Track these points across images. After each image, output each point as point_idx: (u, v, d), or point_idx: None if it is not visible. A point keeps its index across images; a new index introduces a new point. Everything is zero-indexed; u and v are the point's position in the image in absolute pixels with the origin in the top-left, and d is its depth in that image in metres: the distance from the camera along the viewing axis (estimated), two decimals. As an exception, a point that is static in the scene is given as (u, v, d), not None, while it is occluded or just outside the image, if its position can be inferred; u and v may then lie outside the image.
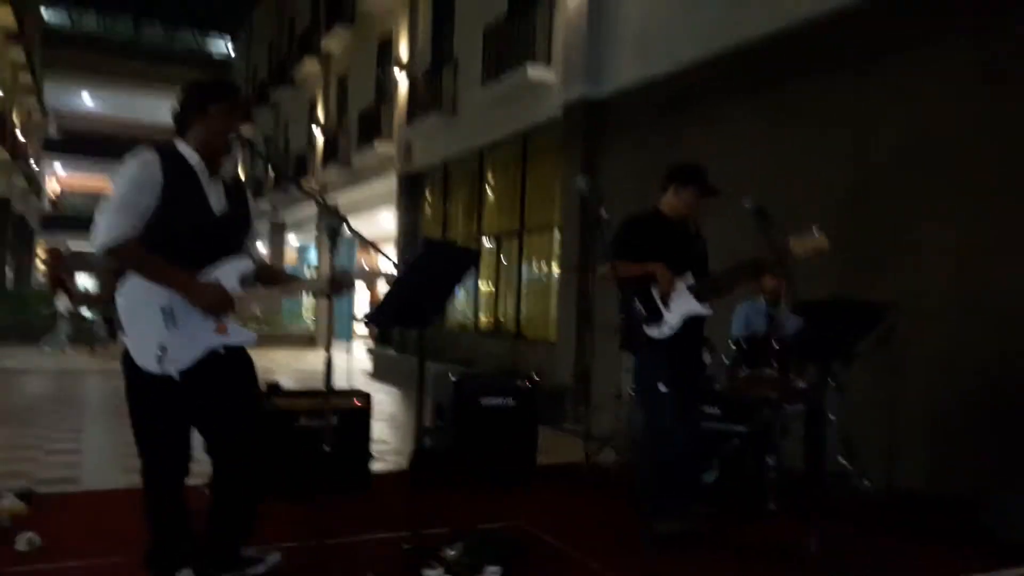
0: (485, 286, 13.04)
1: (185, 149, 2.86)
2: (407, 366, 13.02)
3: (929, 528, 4.07)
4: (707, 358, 4.78)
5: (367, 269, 2.97)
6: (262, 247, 30.33)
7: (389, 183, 16.38)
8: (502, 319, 12.32)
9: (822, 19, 6.37)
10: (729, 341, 5.03)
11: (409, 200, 15.76)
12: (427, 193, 15.66)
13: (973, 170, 5.32)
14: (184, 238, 2.79)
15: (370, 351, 17.51)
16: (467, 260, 3.00)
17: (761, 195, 3.93)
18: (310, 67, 21.92)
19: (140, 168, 2.74)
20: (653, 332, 3.79)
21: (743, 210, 3.78)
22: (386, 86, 16.99)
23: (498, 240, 12.55)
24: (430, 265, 2.73)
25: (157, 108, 37.64)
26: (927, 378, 5.25)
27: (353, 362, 17.94)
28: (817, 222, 3.63)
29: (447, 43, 14.04)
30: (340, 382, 12.61)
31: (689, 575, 3.29)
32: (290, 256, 28.75)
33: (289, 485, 3.94)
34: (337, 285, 2.96)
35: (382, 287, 3.11)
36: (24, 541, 3.33)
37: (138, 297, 2.72)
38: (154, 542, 2.92)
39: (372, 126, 16.88)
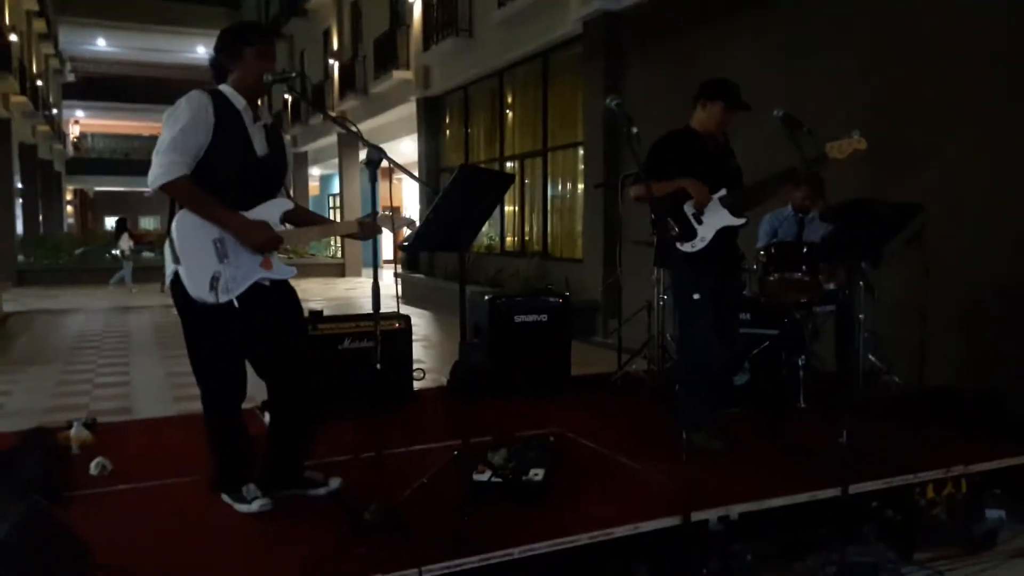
0: (510, 207, 13.08)
1: (231, 93, 2.96)
2: (436, 290, 13.23)
3: (958, 421, 4.17)
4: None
5: (392, 214, 3.07)
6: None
7: (408, 109, 16.30)
8: (528, 239, 12.40)
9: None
10: (757, 249, 5.09)
11: (429, 126, 15.70)
12: (447, 118, 15.58)
13: (998, 72, 5.23)
14: (231, 178, 2.91)
15: (398, 276, 17.81)
16: (502, 184, 3.09)
17: (784, 106, 3.93)
18: (322, -5, 21.59)
19: (195, 109, 2.85)
20: (686, 248, 3.86)
21: (771, 123, 3.80)
22: (401, 11, 16.71)
23: (521, 161, 12.53)
24: (467, 190, 2.82)
25: (173, 47, 37.48)
26: (955, 277, 5.29)
27: (383, 288, 18.29)
28: (856, 128, 3.64)
29: (462, -38, 13.73)
30: (368, 307, 12.94)
31: (726, 472, 3.43)
32: (312, 187, 28.87)
33: (337, 404, 4.12)
34: (367, 228, 3.09)
35: (406, 231, 3.22)
36: (96, 466, 3.53)
37: (190, 231, 2.85)
38: (219, 462, 3.11)
39: (388, 53, 16.70)
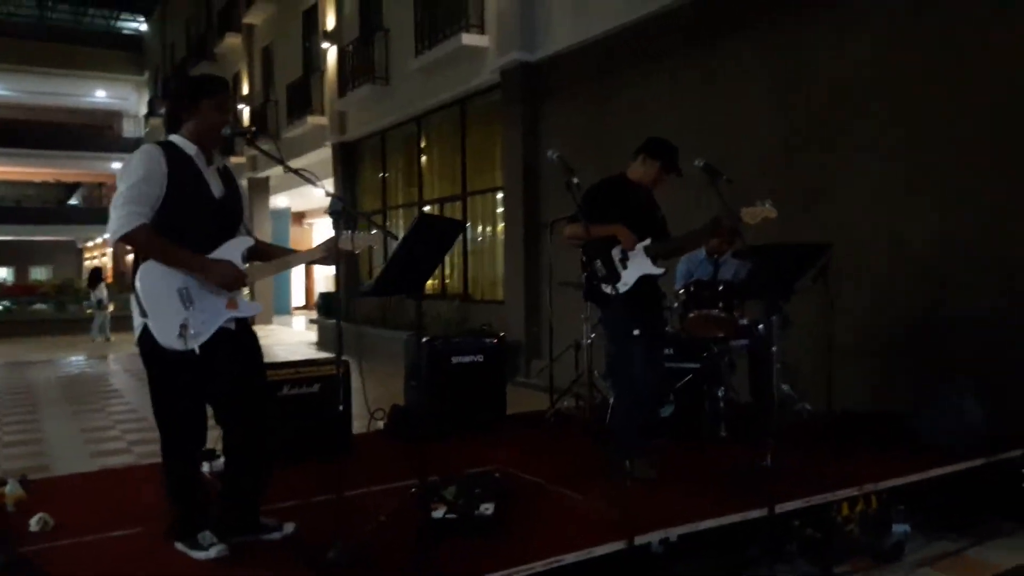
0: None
1: (182, 142, 3.06)
2: (355, 335, 13.20)
3: (865, 441, 4.54)
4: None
5: (353, 235, 3.19)
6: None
7: (323, 154, 16.34)
8: (449, 282, 12.56)
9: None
10: (676, 289, 5.41)
11: (345, 171, 15.77)
12: (363, 163, 15.69)
13: (889, 119, 5.77)
14: (192, 222, 3.01)
15: (313, 322, 17.64)
16: (455, 231, 3.27)
17: (696, 149, 4.29)
18: (232, 41, 21.48)
19: (148, 161, 2.95)
20: (608, 291, 4.13)
21: (693, 168, 4.13)
22: (314, 57, 16.82)
23: (440, 206, 12.73)
24: (424, 237, 2.99)
25: (71, 91, 36.31)
26: (859, 309, 5.73)
27: (296, 335, 18.13)
28: (759, 184, 3.99)
29: (375, 13, 14.01)
30: (285, 354, 12.71)
31: (658, 498, 3.65)
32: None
33: (278, 451, 4.15)
34: (333, 252, 3.20)
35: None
36: (38, 522, 3.47)
37: (154, 283, 2.93)
38: (177, 510, 3.14)
39: (302, 98, 16.76)
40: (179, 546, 3.10)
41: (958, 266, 5.38)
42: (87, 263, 52.93)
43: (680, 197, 5.01)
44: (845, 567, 3.69)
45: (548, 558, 2.96)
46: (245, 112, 20.68)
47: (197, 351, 2.94)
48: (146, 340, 2.97)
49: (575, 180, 3.56)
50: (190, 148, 3.07)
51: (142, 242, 2.93)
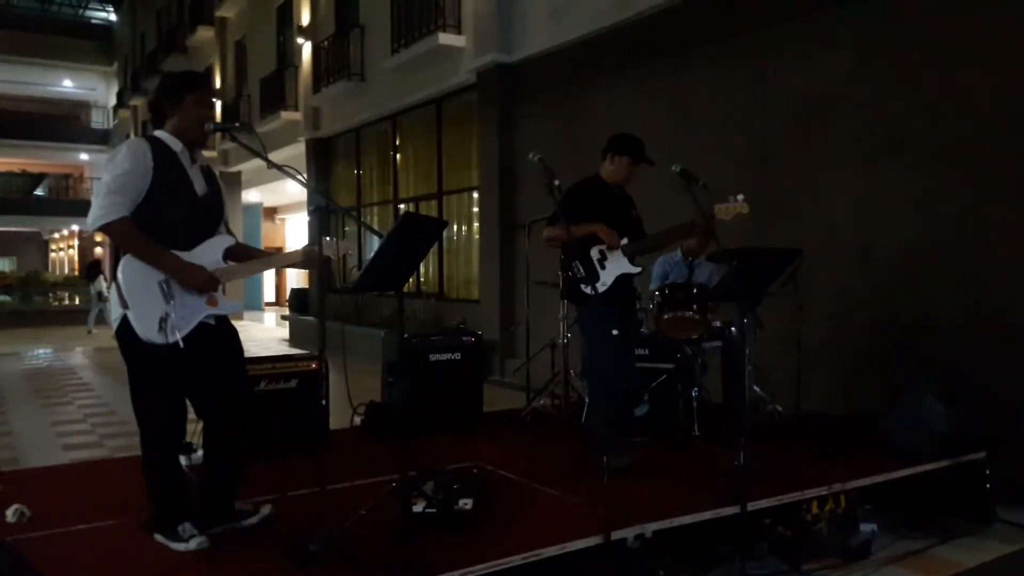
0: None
1: (168, 138, 3.08)
2: (328, 331, 13.16)
3: (832, 442, 4.65)
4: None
5: (334, 241, 3.23)
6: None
7: (296, 150, 16.25)
8: (424, 280, 12.57)
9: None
10: (652, 290, 5.50)
11: (318, 167, 15.71)
12: (337, 159, 15.64)
13: (859, 130, 5.91)
14: (174, 218, 3.03)
15: (284, 318, 17.54)
16: (438, 229, 3.32)
17: (670, 154, 4.37)
18: (204, 34, 21.28)
19: (134, 154, 2.96)
20: (587, 290, 4.20)
21: (658, 169, 4.21)
22: (289, 52, 16.73)
23: (415, 204, 12.74)
24: (407, 236, 3.03)
25: (38, 80, 35.66)
26: (828, 314, 5.86)
27: (268, 331, 18.01)
28: (732, 189, 4.08)
29: (352, 10, 13.97)
30: (257, 350, 12.65)
31: (639, 494, 3.71)
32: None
33: (256, 446, 4.16)
34: (311, 258, 3.24)
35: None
36: (14, 513, 3.46)
37: (136, 276, 2.94)
38: (156, 502, 3.14)
39: (276, 93, 16.66)
40: (158, 538, 3.11)
41: (923, 273, 5.53)
42: (53, 255, 52.08)
43: (657, 199, 5.09)
44: (814, 565, 3.78)
45: (526, 552, 3.01)
46: (217, 106, 20.49)
47: (181, 344, 2.95)
48: (126, 333, 2.98)
49: (556, 182, 3.62)
50: (175, 145, 3.09)
51: (121, 234, 2.94)
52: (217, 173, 3.37)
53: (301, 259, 3.28)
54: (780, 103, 6.49)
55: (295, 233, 26.91)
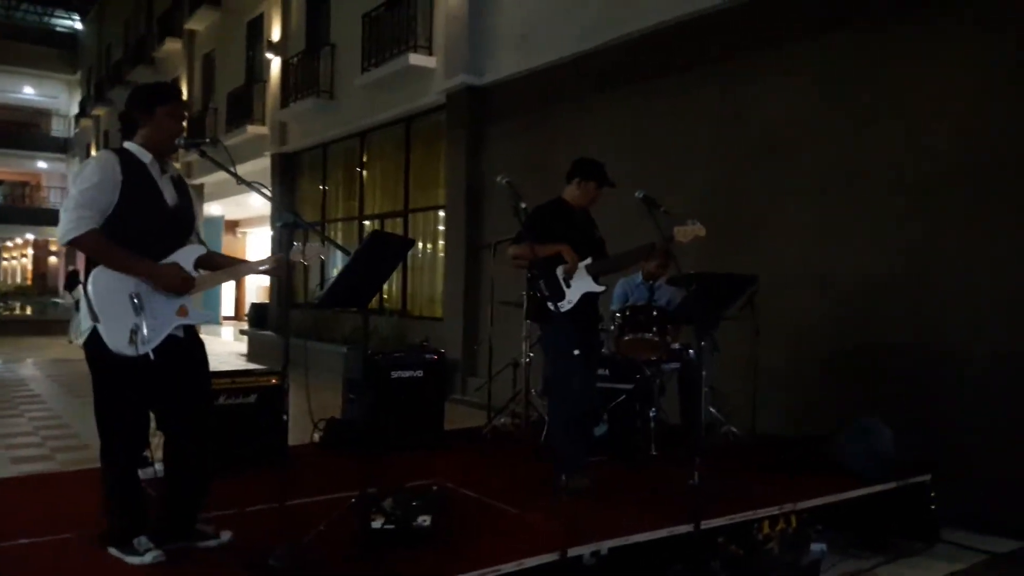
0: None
1: (137, 149, 3.10)
2: (292, 347, 13.09)
3: (786, 464, 4.77)
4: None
5: (303, 247, 3.27)
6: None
7: (262, 164, 16.18)
8: (387, 297, 12.56)
9: (690, 19, 7.02)
10: (613, 311, 5.60)
11: (284, 181, 15.65)
12: (303, 175, 15.61)
13: (819, 164, 6.09)
14: (143, 229, 3.05)
15: (243, 333, 17.37)
16: (405, 248, 3.37)
17: (635, 179, 4.48)
18: (172, 46, 21.16)
19: (102, 167, 2.98)
20: (553, 308, 4.27)
21: (621, 194, 4.31)
22: (257, 67, 16.71)
23: (381, 221, 12.76)
24: (375, 254, 3.08)
25: None
26: (783, 339, 6.00)
27: (226, 346, 17.80)
28: (694, 215, 4.21)
29: (323, 27, 14.03)
30: (215, 365, 12.54)
31: (593, 512, 3.77)
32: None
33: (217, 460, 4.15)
34: (280, 265, 3.28)
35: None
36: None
37: (107, 285, 2.96)
38: (114, 515, 3.13)
39: (243, 107, 16.60)
40: (113, 551, 3.09)
41: (875, 303, 5.70)
42: (4, 263, 50.93)
43: (619, 223, 5.18)
44: (765, 583, 3.87)
45: (483, 568, 3.05)
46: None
47: (151, 356, 2.96)
48: (94, 344, 2.98)
49: (523, 205, 3.71)
50: (145, 156, 3.11)
51: (91, 247, 2.95)
52: (187, 183, 3.39)
53: (273, 265, 3.31)
54: (742, 133, 6.66)
55: (257, 247, 26.67)
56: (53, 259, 42.16)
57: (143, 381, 3.05)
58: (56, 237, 2.98)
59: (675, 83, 7.27)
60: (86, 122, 32.04)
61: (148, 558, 3.02)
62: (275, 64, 15.41)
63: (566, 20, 8.50)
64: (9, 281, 47.15)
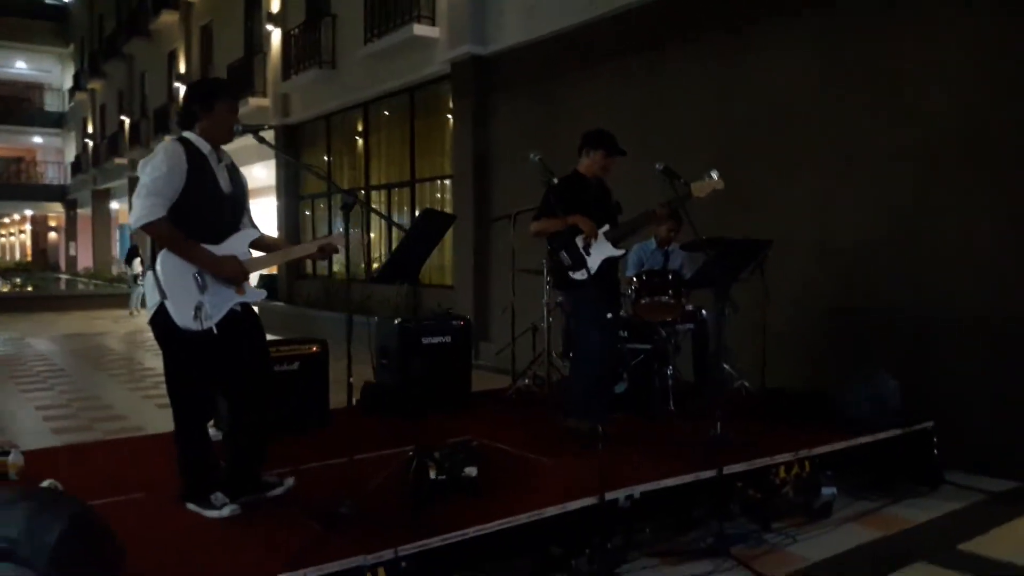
0: (375, 234, 13.44)
1: (197, 140, 3.35)
2: (298, 317, 13.43)
3: (797, 416, 5.08)
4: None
5: (349, 239, 3.51)
6: (122, 202, 29.10)
7: (264, 136, 16.28)
8: (375, 266, 12.78)
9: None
10: (628, 276, 5.87)
11: (287, 153, 15.76)
12: (307, 146, 15.73)
13: (819, 133, 6.32)
14: (203, 214, 3.31)
15: (255, 305, 17.67)
16: (448, 222, 3.63)
17: (642, 148, 4.72)
18: (168, 18, 21.09)
19: (171, 156, 3.23)
20: (577, 276, 4.55)
21: (630, 163, 4.56)
22: (256, 38, 16.74)
23: (388, 191, 12.95)
24: (425, 229, 3.34)
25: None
26: (790, 300, 6.28)
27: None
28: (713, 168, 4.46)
29: (323, -3, 14.04)
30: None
31: (626, 461, 4.08)
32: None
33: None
34: (326, 248, 3.54)
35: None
36: (48, 487, 3.68)
37: (174, 268, 3.22)
38: (189, 474, 3.42)
39: (244, 79, 16.65)
40: (192, 507, 3.38)
41: (877, 264, 5.97)
42: (2, 240, 50.86)
43: (639, 193, 5.41)
44: (782, 524, 4.19)
45: (531, 511, 3.35)
46: (182, 92, 20.35)
47: (215, 331, 3.23)
48: (162, 320, 3.25)
49: (555, 180, 3.95)
50: (204, 146, 3.36)
51: (161, 233, 3.21)
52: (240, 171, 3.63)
53: (315, 250, 3.58)
54: (749, 102, 6.87)
55: (260, 219, 26.81)
56: (53, 235, 42.18)
57: (207, 352, 3.32)
58: (130, 221, 3.21)
59: (681, 52, 7.45)
60: (81, 95, 31.91)
61: (226, 511, 3.32)
62: (275, 35, 15.46)
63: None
64: (8, 258, 47.12)
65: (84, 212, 34.89)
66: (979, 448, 5.15)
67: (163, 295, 3.18)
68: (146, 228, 3.17)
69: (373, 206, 11.91)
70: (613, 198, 4.92)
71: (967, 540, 4.07)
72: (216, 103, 3.37)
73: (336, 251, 3.52)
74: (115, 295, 20.79)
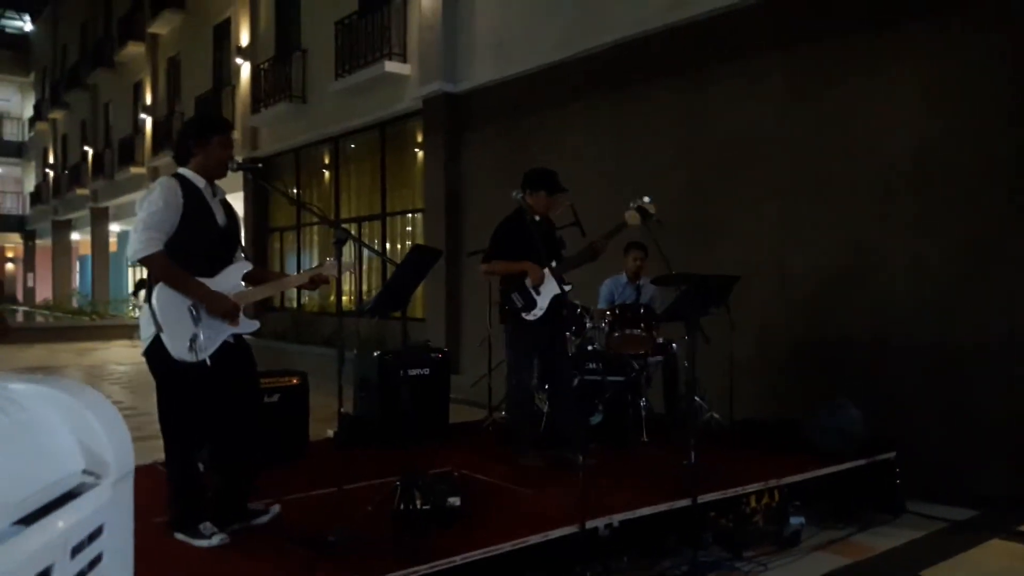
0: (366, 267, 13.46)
1: (192, 175, 3.45)
2: (264, 349, 13.32)
3: (765, 445, 5.24)
4: (588, 323, 5.81)
5: (337, 262, 3.62)
6: (83, 233, 28.71)
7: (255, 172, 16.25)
8: (366, 299, 12.83)
9: (661, 31, 7.47)
10: (601, 309, 6.02)
11: (256, 186, 15.74)
12: (276, 179, 15.75)
13: (782, 167, 6.59)
14: (198, 247, 3.40)
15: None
16: (435, 257, 3.76)
17: (611, 183, 4.92)
18: (134, 49, 21.06)
19: (167, 192, 3.33)
20: (529, 317, 4.74)
21: (597, 190, 4.75)
22: (225, 71, 16.80)
23: (359, 224, 13.02)
24: (414, 264, 3.46)
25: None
26: (753, 331, 6.49)
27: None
28: (665, 217, 4.72)
29: (294, 33, 14.20)
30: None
31: (604, 490, 4.17)
32: (112, 243, 27.42)
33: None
34: (316, 280, 3.63)
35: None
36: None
37: (169, 301, 3.30)
38: (179, 504, 3.45)
39: (212, 111, 16.66)
40: (180, 536, 3.41)
41: (835, 294, 6.22)
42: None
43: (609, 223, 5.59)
44: (753, 552, 4.32)
45: (515, 540, 3.44)
46: (148, 123, 20.31)
47: (208, 362, 3.30)
48: (156, 352, 3.31)
49: (537, 218, 4.10)
50: (199, 181, 3.46)
51: (158, 266, 3.30)
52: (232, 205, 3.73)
53: (307, 281, 3.67)
54: (712, 139, 7.14)
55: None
56: (10, 266, 41.35)
57: (201, 383, 3.39)
58: (128, 255, 3.29)
59: (646, 91, 7.71)
60: (42, 125, 31.56)
61: (215, 540, 3.36)
62: (244, 69, 15.53)
63: (540, 30, 8.89)
64: (-40, 288, 45.98)
65: (43, 243, 34.34)
66: (937, 476, 5.35)
67: (159, 327, 3.25)
68: (143, 261, 3.26)
69: (364, 241, 11.85)
70: (557, 234, 5.09)
71: (929, 567, 4.24)
72: (212, 137, 3.47)
73: (327, 282, 3.63)
74: (77, 327, 20.41)
